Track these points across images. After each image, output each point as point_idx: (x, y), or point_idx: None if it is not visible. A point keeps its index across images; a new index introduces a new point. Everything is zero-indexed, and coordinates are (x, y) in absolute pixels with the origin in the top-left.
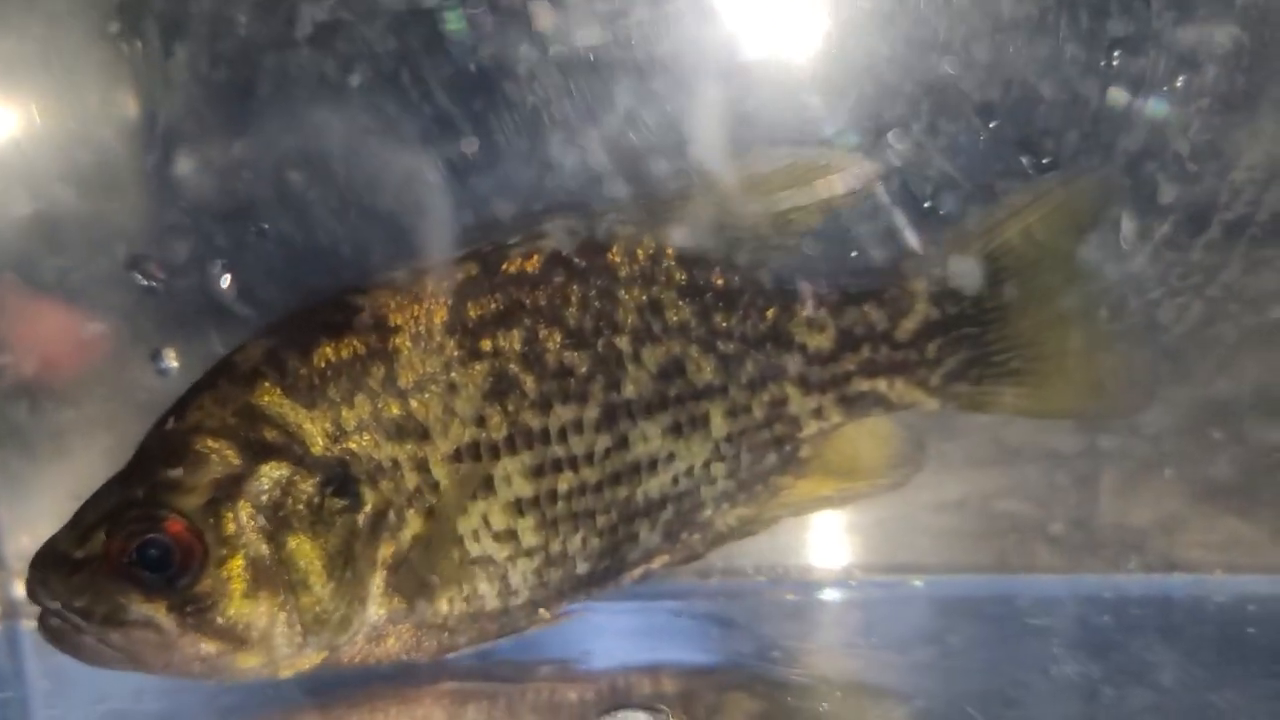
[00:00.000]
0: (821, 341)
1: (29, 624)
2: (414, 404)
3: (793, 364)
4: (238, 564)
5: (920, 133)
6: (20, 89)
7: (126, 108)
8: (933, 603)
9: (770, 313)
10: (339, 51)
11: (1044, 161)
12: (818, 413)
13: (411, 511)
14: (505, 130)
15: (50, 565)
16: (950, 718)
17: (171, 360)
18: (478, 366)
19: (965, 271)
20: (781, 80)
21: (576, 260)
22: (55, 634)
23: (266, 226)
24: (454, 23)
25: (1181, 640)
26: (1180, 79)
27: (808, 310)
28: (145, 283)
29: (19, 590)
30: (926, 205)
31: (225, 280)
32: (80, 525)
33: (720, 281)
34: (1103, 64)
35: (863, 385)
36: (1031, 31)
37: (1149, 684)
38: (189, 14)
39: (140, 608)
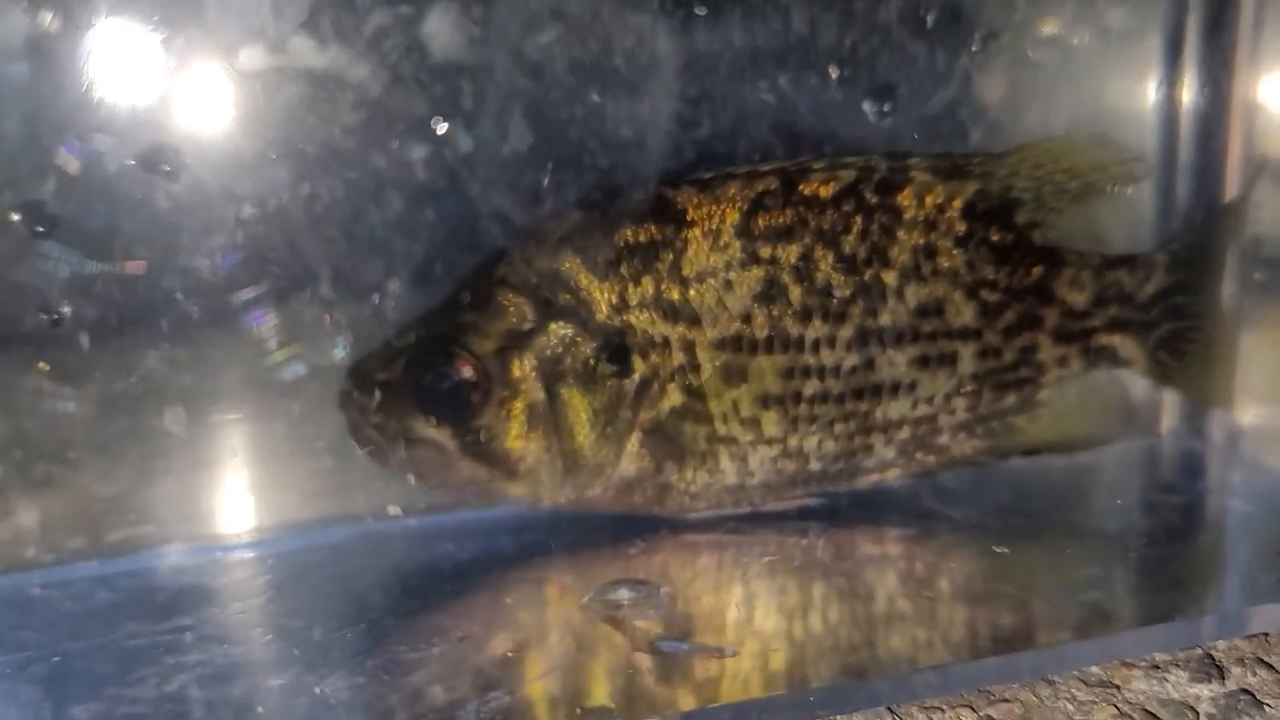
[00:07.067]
0: (1078, 299)
1: None
2: (692, 292)
3: (1050, 316)
4: (517, 406)
5: None
6: None
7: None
8: None
9: (1036, 270)
10: None
11: None
12: (1062, 361)
13: (673, 385)
14: None
15: (358, 382)
16: None
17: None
18: (754, 270)
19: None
20: None
21: (869, 196)
22: (359, 436)
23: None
24: None
25: None
26: None
27: (1072, 271)
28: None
29: None
30: None
31: None
32: (388, 351)
33: (996, 237)
34: None
35: (1103, 339)
36: None
37: None
38: None
39: (427, 430)
